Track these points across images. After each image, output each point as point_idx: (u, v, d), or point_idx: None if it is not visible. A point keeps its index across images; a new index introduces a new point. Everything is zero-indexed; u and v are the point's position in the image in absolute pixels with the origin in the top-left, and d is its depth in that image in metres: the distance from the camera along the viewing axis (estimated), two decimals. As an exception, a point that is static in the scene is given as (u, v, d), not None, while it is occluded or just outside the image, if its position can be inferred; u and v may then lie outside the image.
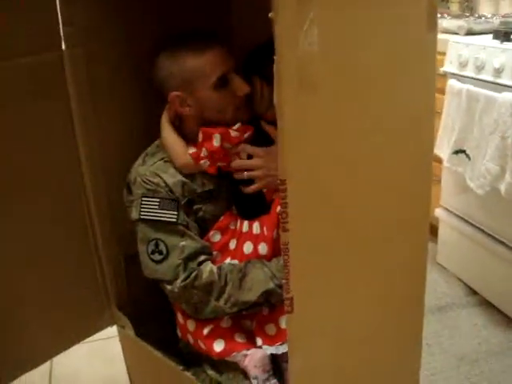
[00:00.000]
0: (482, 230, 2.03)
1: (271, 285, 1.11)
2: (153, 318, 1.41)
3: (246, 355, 1.13)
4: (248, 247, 1.16)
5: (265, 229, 1.15)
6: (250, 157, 1.15)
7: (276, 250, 1.15)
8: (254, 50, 1.15)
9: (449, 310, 2.03)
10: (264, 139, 1.13)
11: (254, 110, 1.17)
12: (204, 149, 1.13)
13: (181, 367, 1.18)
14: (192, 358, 1.25)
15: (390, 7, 0.88)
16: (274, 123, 1.09)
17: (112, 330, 1.45)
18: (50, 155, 1.20)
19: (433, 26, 0.98)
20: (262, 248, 1.15)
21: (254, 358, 1.13)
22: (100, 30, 1.17)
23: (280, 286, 1.10)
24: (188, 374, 1.17)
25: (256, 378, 1.13)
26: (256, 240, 1.16)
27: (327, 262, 0.88)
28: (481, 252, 2.05)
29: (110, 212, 1.31)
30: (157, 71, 1.15)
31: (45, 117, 1.17)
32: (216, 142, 1.12)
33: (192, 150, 1.15)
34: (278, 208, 1.11)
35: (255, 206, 1.17)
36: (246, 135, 1.14)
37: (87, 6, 1.14)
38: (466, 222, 2.11)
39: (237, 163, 1.16)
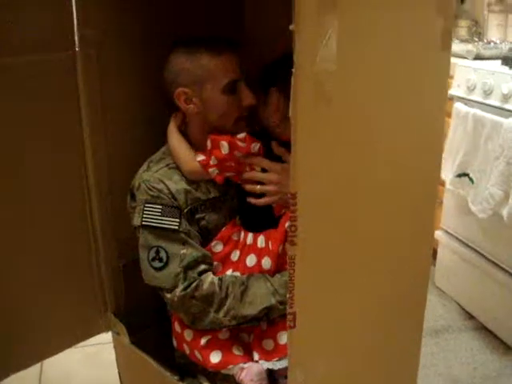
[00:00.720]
0: (482, 255, 2.03)
1: (273, 301, 1.10)
2: (149, 326, 1.40)
3: (242, 368, 1.12)
4: (251, 260, 1.15)
5: (270, 243, 1.14)
6: (263, 171, 1.14)
7: (279, 266, 1.14)
8: (273, 62, 1.14)
9: (445, 332, 2.02)
10: (276, 156, 1.13)
11: (265, 122, 1.16)
12: (213, 157, 1.12)
13: (176, 377, 1.17)
14: (187, 369, 1.23)
15: (407, 25, 0.89)
16: (283, 142, 1.11)
17: (106, 336, 1.43)
18: (55, 156, 1.20)
19: (447, 46, 0.99)
20: (266, 262, 1.14)
21: (250, 371, 1.11)
22: (114, 32, 1.18)
23: (281, 303, 1.09)
24: (183, 384, 1.16)
25: None
26: (260, 253, 1.15)
27: (332, 277, 0.88)
28: (479, 276, 2.04)
29: (112, 218, 1.30)
30: (169, 66, 1.15)
31: (53, 116, 1.16)
32: (224, 150, 1.12)
33: (201, 158, 1.14)
34: (287, 224, 1.11)
35: (262, 219, 1.16)
36: (254, 148, 1.13)
37: (103, 7, 1.14)
38: (466, 245, 2.11)
39: (251, 175, 1.15)
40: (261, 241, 1.15)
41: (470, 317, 2.11)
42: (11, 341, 1.24)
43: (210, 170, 1.13)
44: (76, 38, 1.11)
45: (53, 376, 1.79)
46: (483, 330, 2.03)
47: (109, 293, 1.36)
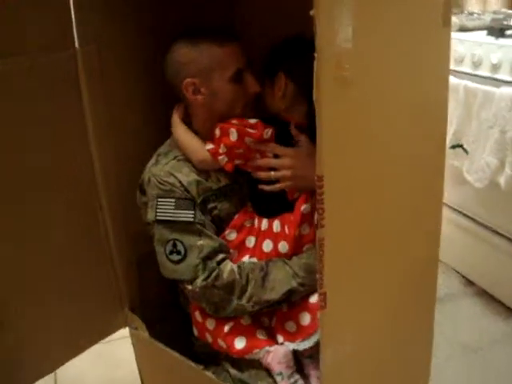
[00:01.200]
0: (479, 222, 2.08)
1: (294, 283, 1.11)
2: (164, 319, 1.41)
3: (268, 352, 1.13)
4: (268, 245, 1.16)
5: (286, 227, 1.15)
6: (275, 156, 1.15)
7: (296, 249, 1.15)
8: (277, 47, 1.15)
9: (448, 301, 2.07)
10: (286, 140, 1.14)
11: (272, 108, 1.17)
12: (222, 145, 1.12)
13: (201, 367, 1.18)
14: (208, 358, 1.25)
15: (413, 4, 0.90)
16: (290, 124, 1.12)
17: (115, 333, 1.44)
18: (62, 155, 1.19)
19: (448, 21, 1.02)
20: (283, 246, 1.15)
21: (277, 354, 1.13)
22: (113, 29, 1.17)
23: (302, 285, 1.12)
24: (209, 373, 1.17)
25: (280, 374, 1.13)
26: (276, 238, 1.16)
27: (358, 257, 0.90)
28: (477, 244, 2.09)
29: (123, 213, 1.30)
30: (173, 58, 1.15)
31: (57, 115, 1.16)
32: (233, 136, 1.12)
33: (210, 147, 1.14)
34: (303, 206, 1.12)
35: (276, 204, 1.17)
36: (266, 133, 1.13)
37: (100, 3, 1.13)
38: (463, 214, 2.15)
39: (265, 162, 1.15)
40: (276, 225, 1.16)
41: (471, 283, 2.16)
42: (34, 345, 1.24)
43: (220, 158, 1.13)
44: (75, 36, 1.10)
45: (67, 376, 1.79)
46: (484, 295, 2.08)
47: (124, 289, 1.36)
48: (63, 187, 1.22)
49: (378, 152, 0.88)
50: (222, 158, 1.14)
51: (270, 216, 1.17)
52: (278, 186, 1.14)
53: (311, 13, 0.68)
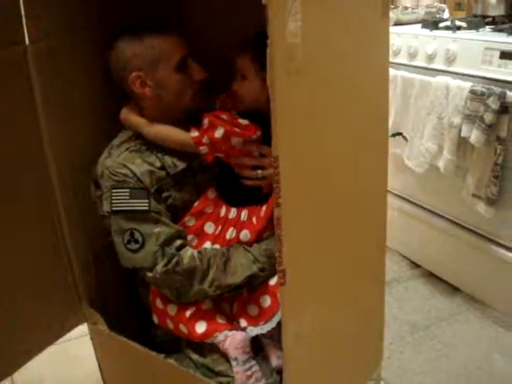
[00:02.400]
0: (421, 206, 2.18)
1: (254, 268, 1.14)
2: (123, 312, 1.41)
3: (226, 337, 1.16)
4: (231, 233, 1.19)
5: (254, 218, 1.18)
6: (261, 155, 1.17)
7: (258, 239, 1.18)
8: (245, 40, 1.16)
9: (396, 283, 2.15)
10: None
11: (249, 101, 1.19)
12: (206, 136, 1.14)
13: (162, 355, 1.20)
14: (170, 347, 1.27)
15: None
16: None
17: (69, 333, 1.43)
18: (14, 152, 1.18)
19: (386, 12, 1.09)
20: (245, 235, 1.18)
21: (234, 339, 1.16)
22: (63, 24, 1.17)
23: (262, 270, 1.15)
24: (171, 360, 1.19)
25: (236, 359, 1.15)
26: (241, 226, 1.18)
27: (314, 235, 0.94)
28: (421, 227, 2.19)
29: (77, 209, 1.30)
30: (117, 53, 1.17)
31: (9, 113, 1.14)
32: (218, 134, 1.13)
33: (194, 134, 1.15)
34: None
35: (247, 195, 1.19)
36: (256, 135, 1.14)
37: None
38: (405, 200, 2.25)
39: (252, 162, 1.17)
40: (244, 215, 1.19)
41: (417, 266, 2.26)
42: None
43: (201, 148, 1.15)
44: (25, 31, 1.10)
45: (25, 379, 1.76)
46: (430, 276, 2.18)
47: (81, 284, 1.35)
48: (16, 185, 1.20)
49: (327, 136, 0.93)
50: (204, 149, 1.15)
51: (240, 205, 1.20)
52: (260, 183, 1.18)
53: (263, 1, 0.72)
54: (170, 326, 1.21)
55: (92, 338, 1.45)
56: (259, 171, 1.18)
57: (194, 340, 1.19)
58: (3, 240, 1.20)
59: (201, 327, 1.17)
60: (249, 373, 1.15)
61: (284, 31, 0.76)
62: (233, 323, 1.20)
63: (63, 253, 1.32)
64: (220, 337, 1.16)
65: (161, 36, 1.16)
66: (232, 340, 1.16)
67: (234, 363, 1.16)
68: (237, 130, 1.13)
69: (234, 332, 1.17)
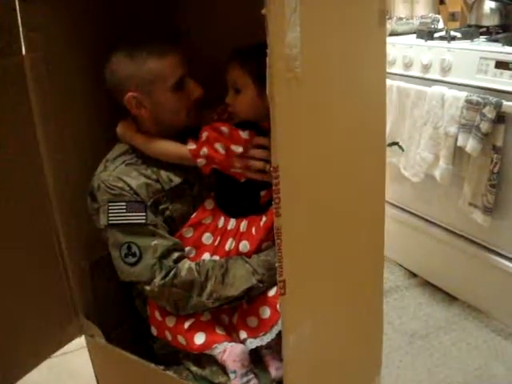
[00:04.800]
0: (418, 216, 2.18)
1: (253, 281, 1.14)
2: (121, 324, 1.41)
3: (225, 349, 1.15)
4: (230, 244, 1.18)
5: (253, 229, 1.17)
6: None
7: (257, 250, 1.17)
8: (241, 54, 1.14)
9: (393, 292, 2.15)
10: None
11: (246, 114, 1.17)
12: (204, 148, 1.14)
13: (161, 367, 1.19)
14: (168, 359, 1.26)
15: (352, 6, 0.97)
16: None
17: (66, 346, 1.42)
18: (11, 162, 1.18)
19: (383, 22, 1.09)
20: (244, 246, 1.17)
21: (233, 351, 1.15)
22: (59, 35, 1.17)
23: (261, 281, 1.14)
24: (170, 372, 1.18)
25: (234, 372, 1.14)
26: (240, 237, 1.18)
27: (313, 245, 0.94)
28: (418, 237, 2.19)
29: (74, 220, 1.29)
30: (113, 72, 1.16)
31: (6, 122, 1.14)
32: (220, 148, 1.13)
33: (192, 147, 1.15)
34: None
35: (246, 205, 1.19)
36: (257, 141, 1.14)
37: (46, 10, 1.13)
38: (401, 209, 2.25)
39: (257, 153, 1.14)
40: (243, 226, 1.18)
41: (414, 275, 2.26)
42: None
43: (199, 160, 1.15)
44: (22, 42, 1.10)
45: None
46: (427, 285, 2.18)
47: (78, 297, 1.35)
48: (13, 197, 1.20)
49: (326, 145, 0.93)
50: (201, 161, 1.15)
51: (239, 216, 1.20)
52: (264, 176, 1.14)
53: (263, 12, 0.72)
54: (169, 337, 1.21)
55: (89, 350, 1.43)
56: (267, 165, 1.13)
57: (192, 352, 1.18)
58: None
59: (199, 339, 1.16)
60: None
61: (283, 42, 0.76)
62: (232, 335, 1.19)
63: (60, 265, 1.31)
64: (219, 348, 1.15)
65: (158, 56, 1.14)
66: (231, 352, 1.15)
67: (232, 376, 1.15)
68: (233, 146, 1.12)
69: (234, 344, 1.16)
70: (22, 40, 1.10)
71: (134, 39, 1.17)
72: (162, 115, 1.19)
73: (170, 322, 1.19)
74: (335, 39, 0.92)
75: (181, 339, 1.18)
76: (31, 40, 1.12)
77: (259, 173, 1.15)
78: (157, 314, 1.21)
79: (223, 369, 1.18)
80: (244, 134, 1.13)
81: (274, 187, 0.81)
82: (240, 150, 1.13)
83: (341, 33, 0.94)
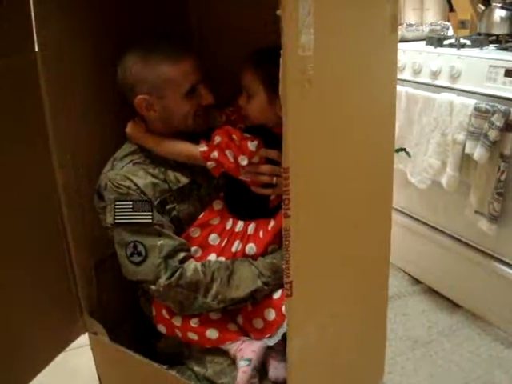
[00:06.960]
0: (423, 223, 2.17)
1: (259, 283, 1.14)
2: (124, 323, 1.40)
3: (244, 341, 1.16)
4: (237, 246, 1.18)
5: (261, 232, 1.18)
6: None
7: (263, 253, 1.18)
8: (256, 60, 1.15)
9: (397, 299, 2.14)
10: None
11: (257, 120, 1.18)
12: (215, 152, 1.14)
13: (164, 366, 1.19)
14: (171, 359, 1.26)
15: (364, 11, 0.97)
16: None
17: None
18: (21, 160, 1.19)
19: (395, 29, 1.09)
20: (250, 248, 1.17)
21: (253, 343, 1.16)
22: (71, 33, 1.17)
23: (266, 284, 1.14)
24: (173, 372, 1.18)
25: (249, 360, 1.13)
26: (247, 240, 1.18)
27: (321, 247, 0.94)
28: (423, 243, 2.18)
29: (81, 218, 1.30)
30: (125, 74, 1.17)
31: (17, 120, 1.15)
32: (230, 156, 1.14)
33: (203, 148, 1.16)
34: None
35: (255, 209, 1.19)
36: (263, 153, 1.15)
37: (60, 8, 1.13)
38: (407, 215, 2.24)
39: (267, 168, 1.15)
40: (251, 228, 1.19)
41: (418, 282, 2.25)
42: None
43: (209, 163, 1.16)
44: (35, 40, 1.10)
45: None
46: (431, 292, 2.17)
47: (83, 294, 1.35)
48: (22, 193, 1.21)
49: (337, 148, 0.93)
50: (211, 164, 1.16)
51: (247, 219, 1.20)
52: (271, 191, 1.17)
53: (277, 13, 0.73)
54: (179, 334, 1.21)
55: (92, 348, 1.44)
56: (274, 178, 1.16)
57: (205, 346, 1.19)
58: (3, 249, 1.20)
59: (212, 334, 1.17)
60: (253, 380, 1.13)
61: (297, 44, 0.77)
62: (244, 334, 1.20)
63: (66, 261, 1.32)
64: (235, 345, 1.16)
65: (172, 62, 1.14)
66: (251, 343, 1.16)
67: (244, 363, 1.13)
68: (241, 157, 1.13)
69: (253, 339, 1.17)
70: (35, 38, 1.11)
71: (148, 41, 1.17)
72: (170, 118, 1.20)
73: (177, 321, 1.19)
74: (348, 43, 0.92)
75: (191, 335, 1.19)
76: (43, 38, 1.12)
77: (265, 188, 1.17)
78: (164, 313, 1.21)
79: (227, 369, 1.18)
80: (251, 146, 1.13)
81: (283, 188, 0.81)
82: (245, 162, 1.13)
83: (353, 37, 0.94)
